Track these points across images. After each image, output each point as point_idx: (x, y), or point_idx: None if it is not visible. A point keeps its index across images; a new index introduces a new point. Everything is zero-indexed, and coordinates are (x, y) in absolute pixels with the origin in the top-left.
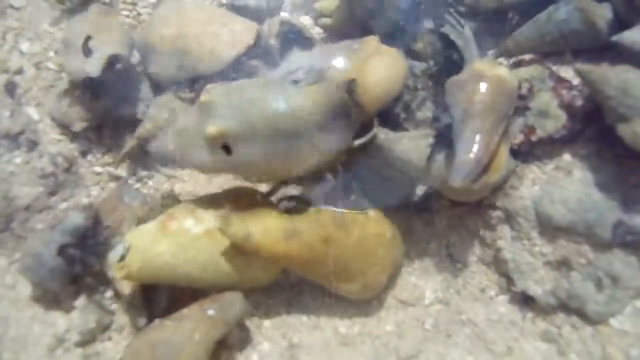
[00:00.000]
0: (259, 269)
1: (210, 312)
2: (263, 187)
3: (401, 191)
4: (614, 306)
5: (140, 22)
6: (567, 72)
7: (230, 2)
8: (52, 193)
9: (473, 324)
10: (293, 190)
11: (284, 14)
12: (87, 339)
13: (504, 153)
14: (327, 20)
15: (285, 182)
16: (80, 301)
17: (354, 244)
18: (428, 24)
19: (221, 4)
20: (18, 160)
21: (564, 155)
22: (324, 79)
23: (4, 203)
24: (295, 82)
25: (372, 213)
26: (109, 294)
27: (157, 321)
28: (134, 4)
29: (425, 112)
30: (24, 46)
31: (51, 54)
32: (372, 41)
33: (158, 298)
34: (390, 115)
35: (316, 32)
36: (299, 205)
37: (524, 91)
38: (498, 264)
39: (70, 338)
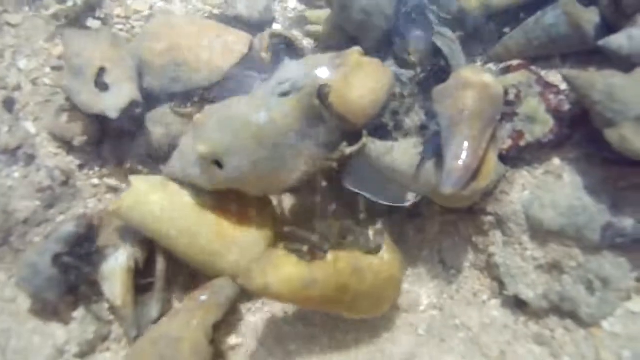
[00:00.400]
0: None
1: (203, 297)
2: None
3: (393, 198)
4: (606, 308)
5: (133, 36)
6: (555, 76)
7: (222, 12)
8: (49, 206)
9: (467, 329)
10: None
11: (275, 27)
12: (86, 350)
13: (492, 159)
14: (315, 28)
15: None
16: (79, 312)
17: (367, 289)
18: (415, 32)
19: (212, 14)
20: (16, 174)
21: (553, 159)
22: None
23: (3, 217)
24: (284, 94)
25: (386, 256)
26: (106, 304)
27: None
28: (127, 18)
29: (414, 119)
30: (22, 63)
31: (47, 70)
32: (354, 54)
33: (150, 309)
34: (378, 123)
35: (307, 43)
36: (317, 251)
37: (511, 97)
38: (490, 269)
39: (70, 349)
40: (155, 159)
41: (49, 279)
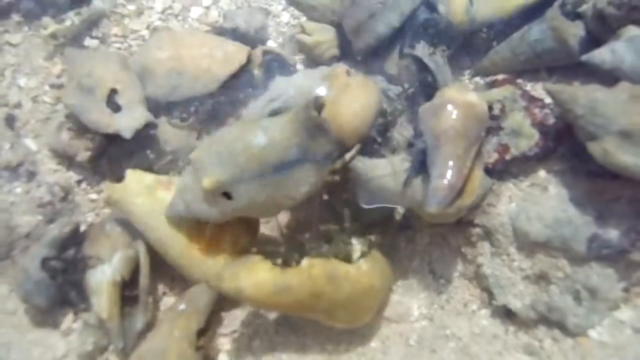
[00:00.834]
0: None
1: (181, 307)
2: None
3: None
4: (593, 318)
5: (131, 54)
6: (541, 90)
7: (220, 25)
8: (50, 221)
9: (457, 339)
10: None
11: (269, 44)
12: None
13: (477, 176)
14: (306, 38)
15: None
16: (78, 324)
17: (343, 298)
18: (403, 48)
19: (211, 25)
20: (18, 190)
21: (539, 172)
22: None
23: (5, 232)
24: (275, 112)
25: (364, 266)
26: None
27: None
28: (125, 37)
29: (402, 134)
30: (22, 81)
31: (47, 87)
32: (341, 74)
33: (135, 320)
34: (367, 139)
35: (298, 58)
36: (292, 257)
37: (496, 111)
38: (479, 279)
39: None
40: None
41: (38, 283)
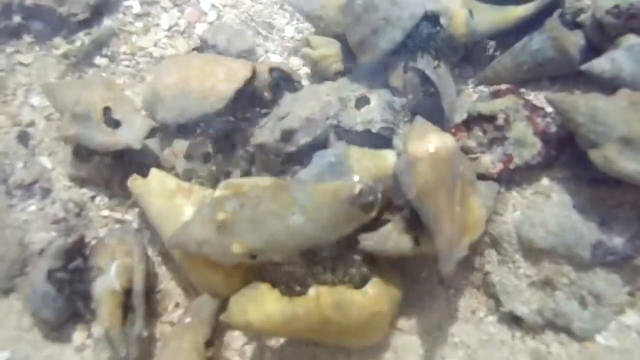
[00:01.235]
0: (219, 281)
1: (187, 320)
2: None
3: None
4: (599, 323)
5: (138, 71)
6: (543, 99)
7: (204, 41)
8: (64, 237)
9: (465, 346)
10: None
11: (273, 58)
12: None
13: (475, 204)
14: (311, 52)
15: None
16: (92, 340)
17: (353, 324)
18: (407, 62)
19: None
20: (32, 207)
21: (542, 180)
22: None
23: (19, 249)
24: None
25: (371, 291)
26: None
27: None
28: (133, 54)
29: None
30: (34, 100)
31: None
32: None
33: (134, 327)
34: None
35: (303, 73)
36: (297, 287)
37: (500, 122)
38: (486, 287)
39: None
40: None
41: (45, 295)
